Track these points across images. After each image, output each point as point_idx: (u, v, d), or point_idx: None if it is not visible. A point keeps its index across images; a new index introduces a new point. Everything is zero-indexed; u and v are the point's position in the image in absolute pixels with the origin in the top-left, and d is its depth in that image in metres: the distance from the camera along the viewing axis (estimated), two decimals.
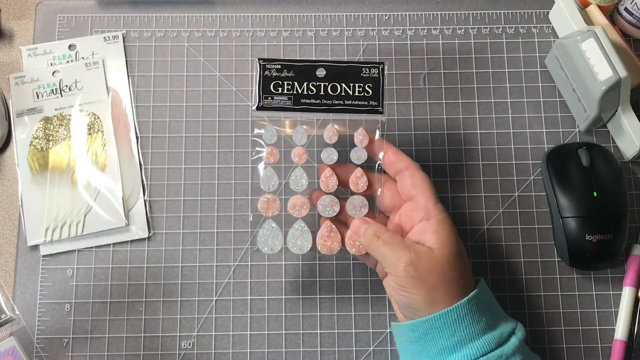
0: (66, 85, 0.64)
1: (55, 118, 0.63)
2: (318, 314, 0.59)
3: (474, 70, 0.65)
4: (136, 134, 0.63)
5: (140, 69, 0.65)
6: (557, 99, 0.64)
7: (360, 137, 0.53)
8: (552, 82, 0.65)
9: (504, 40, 0.66)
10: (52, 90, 0.63)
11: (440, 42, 0.66)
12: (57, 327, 0.58)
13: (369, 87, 0.52)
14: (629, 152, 0.61)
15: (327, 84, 0.52)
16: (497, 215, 0.61)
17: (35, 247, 0.60)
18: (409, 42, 0.66)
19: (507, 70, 0.65)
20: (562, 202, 0.58)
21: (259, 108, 0.52)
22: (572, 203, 0.58)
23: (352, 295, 0.59)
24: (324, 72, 0.52)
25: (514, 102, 0.64)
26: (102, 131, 0.63)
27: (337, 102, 0.52)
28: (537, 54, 0.65)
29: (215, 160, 0.62)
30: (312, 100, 0.52)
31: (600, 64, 0.57)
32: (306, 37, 0.66)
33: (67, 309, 0.59)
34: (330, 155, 0.53)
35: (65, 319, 0.58)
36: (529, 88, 0.64)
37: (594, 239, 0.57)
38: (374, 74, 0.51)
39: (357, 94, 0.52)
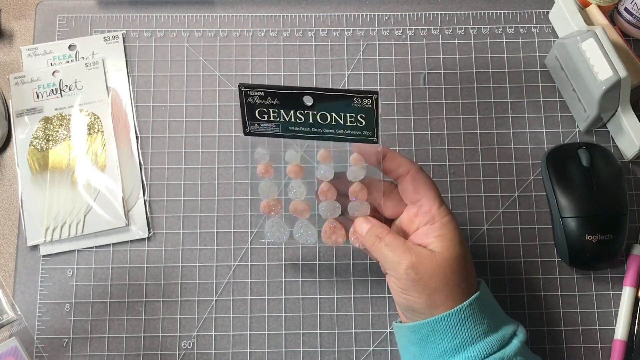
0: (66, 85, 0.64)
1: (55, 118, 0.63)
2: (318, 314, 0.59)
3: (474, 70, 0.65)
4: (136, 134, 0.63)
5: (140, 69, 0.65)
6: (557, 99, 0.64)
7: (355, 158, 0.50)
8: (552, 82, 0.65)
9: (504, 40, 0.66)
10: (52, 90, 0.63)
11: (440, 42, 0.66)
12: (57, 327, 0.58)
13: (361, 117, 0.47)
14: (629, 152, 0.61)
15: (315, 112, 0.47)
16: (497, 215, 0.61)
17: (35, 247, 0.60)
18: (409, 42, 0.66)
19: (507, 70, 0.65)
20: (562, 202, 0.58)
21: (246, 133, 0.49)
22: (572, 203, 0.58)
23: (352, 296, 0.59)
24: (311, 101, 0.47)
25: (514, 102, 0.64)
26: (102, 131, 0.63)
27: (328, 130, 0.48)
28: (537, 54, 0.65)
29: (215, 160, 0.62)
30: (302, 128, 0.48)
31: (600, 64, 0.57)
32: (306, 37, 0.66)
33: (67, 309, 0.59)
34: (325, 174, 0.51)
35: (65, 319, 0.58)
36: (529, 88, 0.64)
37: (594, 239, 0.57)
38: (367, 104, 0.46)
39: (349, 123, 0.47)
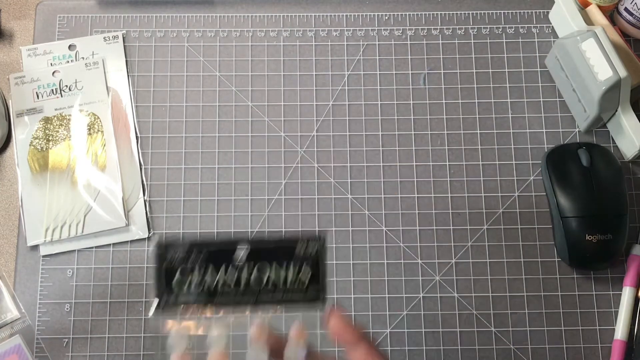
0: (66, 85, 0.64)
1: (55, 118, 0.63)
2: (318, 313, 0.59)
3: (474, 70, 0.65)
4: (136, 134, 0.63)
5: (140, 69, 0.65)
6: (557, 99, 0.64)
7: (296, 332, 0.42)
8: (552, 82, 0.65)
9: (504, 40, 0.66)
10: (52, 90, 0.63)
11: (440, 42, 0.66)
12: (57, 327, 0.58)
13: (305, 269, 0.39)
14: (629, 152, 0.61)
15: (250, 270, 0.39)
16: (497, 215, 0.61)
17: (35, 247, 0.60)
18: (409, 42, 0.66)
19: (507, 70, 0.65)
20: (562, 202, 0.58)
21: (159, 311, 0.39)
22: (572, 203, 0.58)
23: (352, 296, 0.59)
24: (246, 255, 0.39)
25: (514, 102, 0.64)
26: (102, 131, 0.63)
27: (264, 295, 0.39)
28: (537, 54, 0.65)
29: (215, 160, 0.62)
30: (231, 297, 0.39)
31: (600, 64, 0.57)
32: (306, 37, 0.66)
33: (67, 309, 0.59)
34: (257, 357, 0.41)
35: (65, 319, 0.58)
36: (529, 88, 0.64)
37: (594, 239, 0.57)
38: (312, 252, 0.39)
39: (289, 282, 0.39)
